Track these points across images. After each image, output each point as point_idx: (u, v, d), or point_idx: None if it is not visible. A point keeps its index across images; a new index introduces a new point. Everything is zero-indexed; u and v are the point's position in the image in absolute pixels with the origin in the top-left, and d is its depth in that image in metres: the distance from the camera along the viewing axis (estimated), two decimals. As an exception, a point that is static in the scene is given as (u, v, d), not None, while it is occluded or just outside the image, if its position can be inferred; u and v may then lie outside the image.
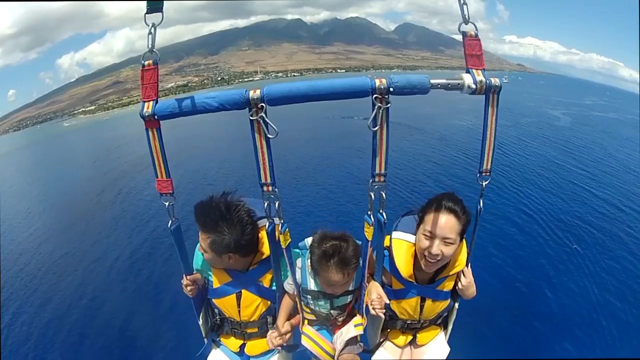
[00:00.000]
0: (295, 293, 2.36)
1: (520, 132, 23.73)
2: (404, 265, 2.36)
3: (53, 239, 12.27)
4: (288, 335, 2.44)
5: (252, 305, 2.45)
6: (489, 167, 1.97)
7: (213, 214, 2.10)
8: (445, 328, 2.72)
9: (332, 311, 2.39)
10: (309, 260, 2.25)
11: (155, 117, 1.77)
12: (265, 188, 1.87)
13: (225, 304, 2.48)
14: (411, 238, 2.36)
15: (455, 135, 18.26)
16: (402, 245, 2.38)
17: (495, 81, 1.72)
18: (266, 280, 2.42)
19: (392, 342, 2.69)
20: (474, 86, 1.70)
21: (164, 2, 1.66)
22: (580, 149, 21.13)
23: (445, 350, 2.66)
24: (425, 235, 2.19)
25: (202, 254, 2.27)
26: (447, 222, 2.14)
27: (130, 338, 6.94)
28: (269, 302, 2.47)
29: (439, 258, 2.18)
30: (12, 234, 13.13)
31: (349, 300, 2.40)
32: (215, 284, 2.43)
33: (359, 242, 2.20)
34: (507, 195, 11.70)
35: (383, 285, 2.38)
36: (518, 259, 8.39)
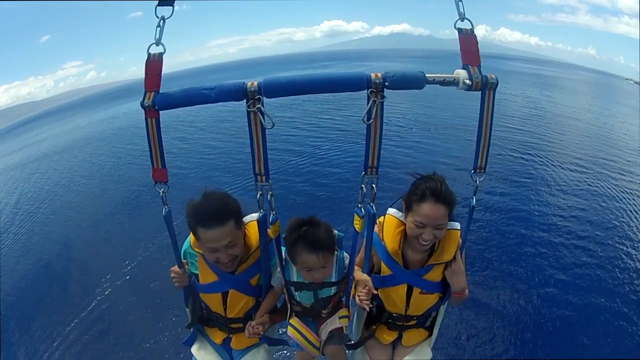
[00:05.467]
0: (283, 284, 2.35)
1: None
2: (390, 241, 2.34)
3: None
4: (266, 326, 2.40)
5: (238, 303, 2.43)
6: (483, 164, 1.94)
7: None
8: (431, 334, 2.67)
9: (316, 303, 2.37)
10: None
11: (155, 107, 1.77)
12: (258, 178, 1.86)
13: (211, 301, 2.46)
14: (402, 216, 2.35)
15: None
16: (392, 221, 2.38)
17: (491, 77, 1.71)
18: (254, 280, 2.40)
19: (376, 338, 2.65)
20: (469, 82, 1.69)
21: None
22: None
23: (428, 355, 2.63)
24: (417, 224, 2.16)
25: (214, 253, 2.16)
26: (437, 212, 2.11)
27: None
28: (255, 299, 2.45)
29: (432, 241, 2.20)
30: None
31: (333, 292, 2.37)
32: (202, 280, 2.39)
33: (339, 233, 2.26)
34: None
35: (370, 272, 2.38)
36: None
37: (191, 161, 15.05)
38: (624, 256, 7.86)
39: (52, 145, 28.24)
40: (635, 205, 10.31)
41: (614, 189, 11.34)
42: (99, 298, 7.42)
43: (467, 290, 2.39)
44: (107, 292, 7.56)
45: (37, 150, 28.01)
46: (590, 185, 11.61)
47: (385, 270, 2.39)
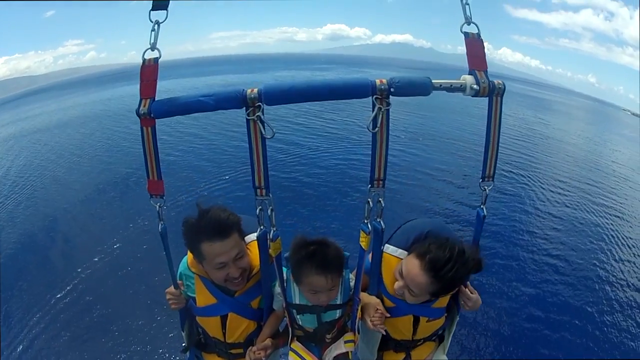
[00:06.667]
0: (284, 306, 2.15)
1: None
2: (391, 282, 2.09)
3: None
4: (268, 351, 2.18)
5: (239, 328, 2.24)
6: (492, 172, 1.80)
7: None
8: (443, 341, 2.47)
9: (319, 327, 2.16)
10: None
11: (152, 115, 1.65)
12: (258, 192, 1.70)
13: (209, 325, 2.26)
14: (402, 254, 2.08)
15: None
16: (391, 261, 2.09)
17: (498, 83, 1.61)
18: (255, 303, 2.22)
19: None
20: (476, 87, 1.59)
21: (170, 0, 1.59)
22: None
23: None
24: (399, 272, 1.96)
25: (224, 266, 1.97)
26: (419, 277, 1.84)
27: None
28: (256, 323, 2.27)
29: (403, 297, 2.00)
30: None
31: (337, 315, 2.16)
32: (199, 303, 2.21)
33: (345, 252, 2.03)
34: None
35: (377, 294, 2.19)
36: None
37: (180, 149, 14.93)
38: (593, 277, 8.00)
39: (47, 121, 27.72)
40: (611, 229, 10.48)
41: (593, 213, 11.49)
42: (82, 274, 7.30)
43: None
44: (90, 269, 7.44)
45: (32, 124, 27.42)
46: (568, 206, 11.76)
47: (388, 303, 2.17)
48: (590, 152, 22.35)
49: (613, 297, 7.39)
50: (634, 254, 9.31)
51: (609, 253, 9.09)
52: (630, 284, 7.92)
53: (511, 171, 14.07)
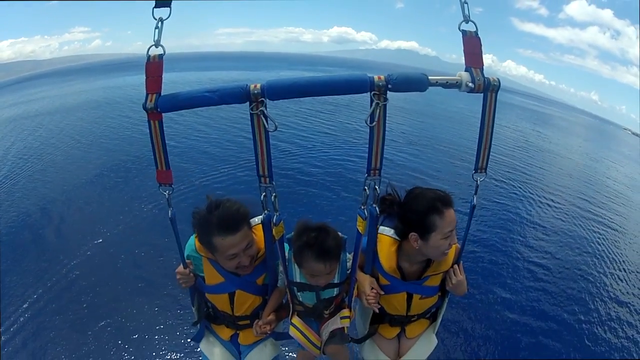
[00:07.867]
0: (286, 284, 2.31)
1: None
2: (386, 259, 2.31)
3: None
4: (273, 325, 2.39)
5: (245, 302, 2.42)
6: (484, 164, 1.93)
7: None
8: (435, 320, 2.66)
9: (318, 304, 2.32)
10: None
11: (158, 109, 1.76)
12: (262, 180, 1.84)
13: (218, 301, 2.44)
14: (394, 233, 2.32)
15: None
16: (386, 240, 2.32)
17: (493, 80, 1.68)
18: (260, 280, 2.38)
19: (380, 334, 2.65)
20: (471, 84, 1.67)
21: None
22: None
23: (433, 342, 2.65)
24: (446, 236, 2.11)
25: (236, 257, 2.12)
26: (453, 214, 2.12)
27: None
28: (262, 297, 2.45)
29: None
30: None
31: (335, 293, 2.32)
32: (208, 281, 2.36)
33: (343, 235, 2.18)
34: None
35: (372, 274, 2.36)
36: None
37: (180, 141, 14.90)
38: (575, 287, 8.06)
39: (50, 106, 27.63)
40: (597, 243, 10.53)
41: (581, 225, 11.52)
42: (77, 260, 7.25)
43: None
44: (87, 254, 7.41)
45: (34, 107, 27.33)
46: (557, 218, 11.81)
47: (383, 280, 2.36)
48: (586, 166, 22.33)
49: (593, 308, 7.46)
50: (618, 267, 9.38)
51: (592, 265, 9.15)
52: (612, 296, 7.99)
53: (502, 180, 14.11)
